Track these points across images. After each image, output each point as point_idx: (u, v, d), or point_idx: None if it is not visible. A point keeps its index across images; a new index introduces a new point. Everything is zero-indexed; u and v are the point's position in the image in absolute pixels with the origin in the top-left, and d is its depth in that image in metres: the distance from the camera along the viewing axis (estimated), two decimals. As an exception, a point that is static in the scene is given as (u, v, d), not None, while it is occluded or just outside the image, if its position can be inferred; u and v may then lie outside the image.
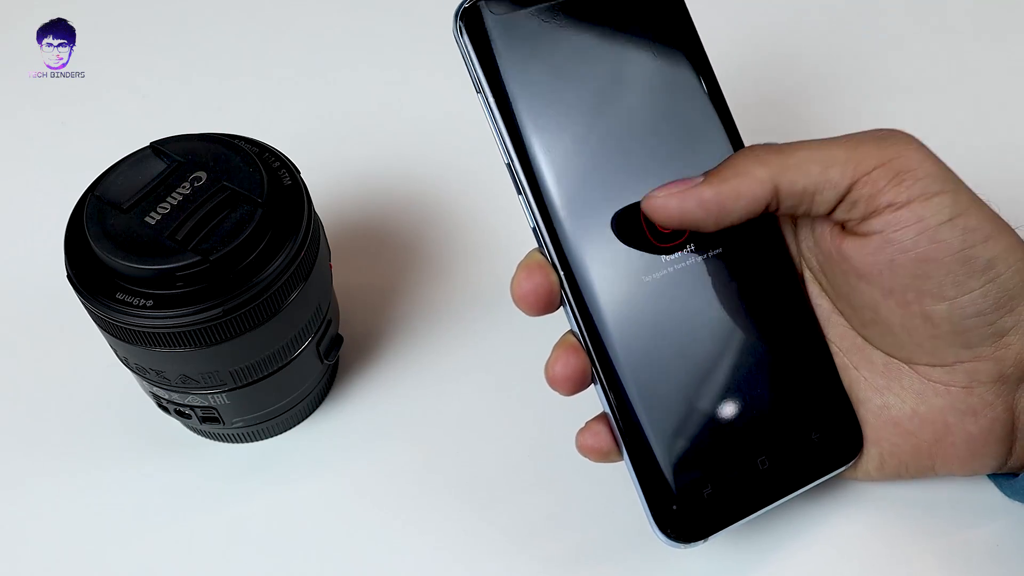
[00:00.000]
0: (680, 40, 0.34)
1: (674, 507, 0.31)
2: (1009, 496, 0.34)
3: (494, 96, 0.31)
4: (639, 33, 0.34)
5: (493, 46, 0.32)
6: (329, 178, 0.47)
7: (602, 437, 0.32)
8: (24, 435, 0.39)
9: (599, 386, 0.32)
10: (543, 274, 0.31)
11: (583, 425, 0.33)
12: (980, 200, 0.31)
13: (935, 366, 0.32)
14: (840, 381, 0.34)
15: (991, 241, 0.30)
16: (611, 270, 0.32)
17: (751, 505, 0.32)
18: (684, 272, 0.33)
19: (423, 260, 0.44)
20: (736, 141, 0.34)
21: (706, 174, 0.32)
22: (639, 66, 0.33)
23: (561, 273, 0.31)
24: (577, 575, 0.35)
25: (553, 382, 0.32)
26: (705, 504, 0.32)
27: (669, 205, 0.31)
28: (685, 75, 0.34)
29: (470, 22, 0.31)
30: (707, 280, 0.33)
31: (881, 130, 0.32)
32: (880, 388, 0.33)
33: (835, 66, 0.52)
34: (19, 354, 0.41)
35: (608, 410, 0.32)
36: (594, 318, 0.31)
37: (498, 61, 0.32)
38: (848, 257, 0.32)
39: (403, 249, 0.45)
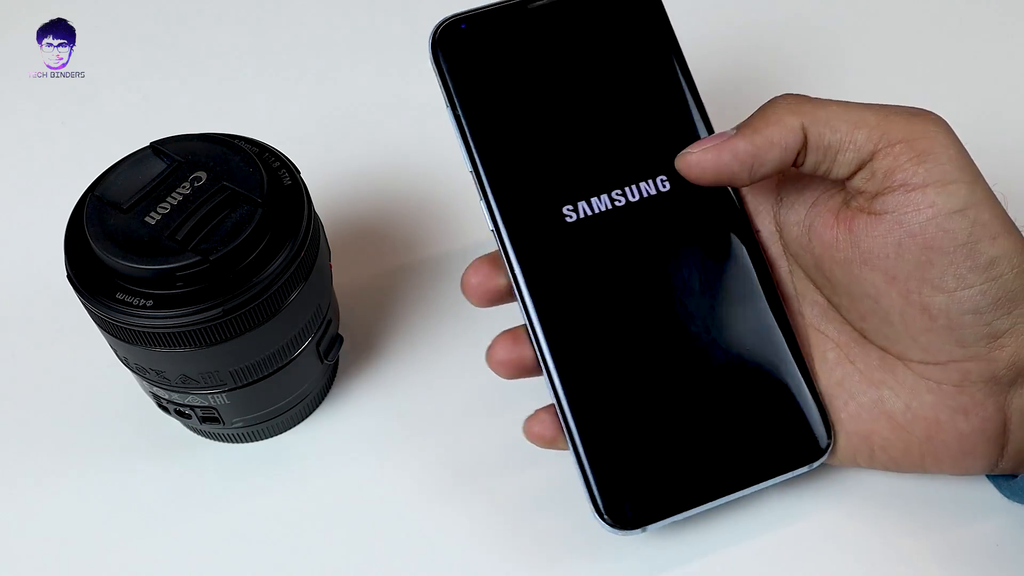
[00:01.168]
0: (656, 51, 0.35)
1: (613, 493, 0.32)
2: (1008, 497, 0.34)
3: (461, 110, 0.33)
4: (611, 45, 0.35)
5: (460, 65, 0.34)
6: (329, 178, 0.47)
7: (547, 425, 0.33)
8: (24, 435, 0.39)
9: (545, 375, 0.33)
10: (487, 272, 0.33)
11: (532, 413, 0.34)
12: (995, 197, 0.31)
13: (928, 363, 0.32)
14: (811, 381, 0.34)
15: (999, 239, 0.30)
16: (562, 266, 0.33)
17: (696, 498, 0.32)
18: (639, 265, 0.34)
19: (423, 260, 0.44)
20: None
21: (738, 126, 0.32)
22: (609, 78, 0.35)
23: (516, 268, 0.33)
24: (579, 566, 0.35)
25: (493, 365, 0.34)
26: (646, 493, 0.32)
27: (705, 160, 0.32)
28: (659, 87, 0.35)
29: (441, 42, 0.34)
30: (663, 272, 0.34)
31: (915, 108, 0.32)
32: (876, 382, 0.33)
33: (821, 56, 0.52)
34: (19, 354, 0.41)
35: (552, 396, 0.32)
36: (542, 314, 0.33)
37: (464, 80, 0.34)
38: (857, 238, 0.32)
39: (403, 249, 0.45)
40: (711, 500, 0.33)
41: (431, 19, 0.56)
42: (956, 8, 0.54)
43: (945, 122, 0.31)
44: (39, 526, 0.36)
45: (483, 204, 0.34)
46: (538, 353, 0.33)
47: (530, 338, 0.33)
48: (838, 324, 0.35)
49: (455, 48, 0.34)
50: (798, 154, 0.32)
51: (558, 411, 0.33)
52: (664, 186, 0.34)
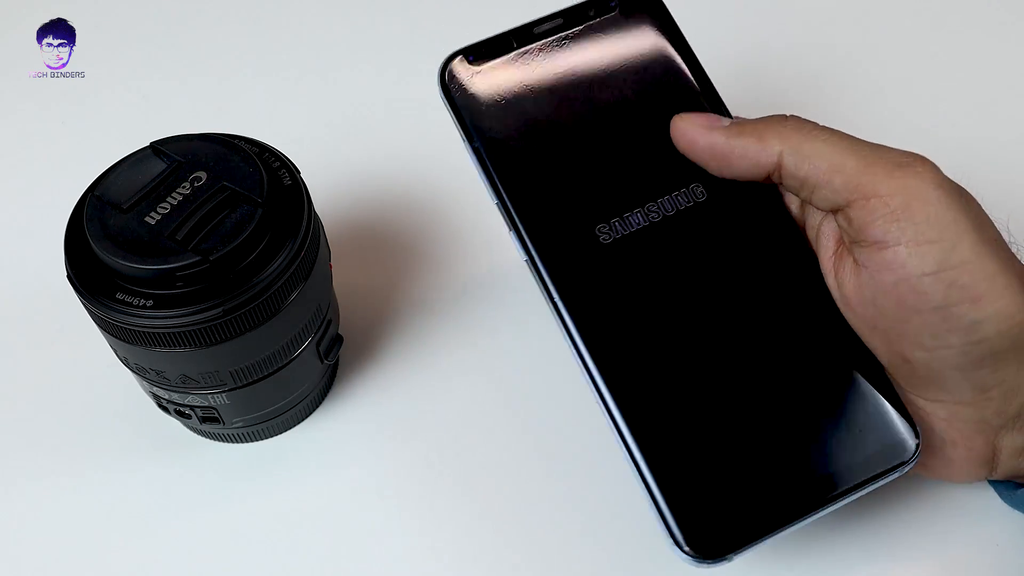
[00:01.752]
0: (671, 57, 0.34)
1: (692, 520, 0.29)
2: (1010, 505, 0.34)
3: (480, 147, 0.33)
4: (623, 58, 0.34)
5: (472, 97, 0.33)
6: (329, 178, 0.47)
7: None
8: (24, 435, 0.39)
9: (600, 403, 0.31)
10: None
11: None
12: (989, 251, 0.29)
13: (918, 396, 0.32)
14: (887, 378, 0.32)
15: (982, 302, 0.29)
16: (606, 290, 0.32)
17: (785, 516, 0.29)
18: (689, 279, 0.32)
19: (423, 260, 0.44)
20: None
21: (735, 120, 0.32)
22: (624, 91, 0.34)
23: (556, 297, 0.31)
24: (581, 571, 0.35)
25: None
26: (728, 517, 0.29)
27: (687, 132, 0.32)
28: (678, 93, 0.34)
29: (449, 79, 0.33)
30: (717, 284, 0.32)
31: (904, 155, 0.30)
32: None
33: (832, 62, 0.52)
34: (19, 354, 0.41)
35: (612, 426, 0.30)
36: (591, 343, 0.31)
37: (476, 114, 0.33)
38: (841, 282, 0.32)
39: (403, 249, 0.45)
40: (802, 517, 0.29)
41: (431, 19, 0.56)
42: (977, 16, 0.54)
43: (933, 171, 0.29)
44: (39, 526, 0.36)
45: (513, 235, 0.32)
46: (591, 383, 0.31)
47: (581, 369, 0.31)
48: None
49: (464, 82, 0.33)
50: (770, 174, 0.31)
51: (619, 442, 0.30)
52: (701, 195, 0.33)
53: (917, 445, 0.31)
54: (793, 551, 0.35)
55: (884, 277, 0.30)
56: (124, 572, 0.35)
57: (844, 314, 0.32)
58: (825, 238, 0.32)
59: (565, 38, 0.34)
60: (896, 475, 0.31)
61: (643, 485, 0.30)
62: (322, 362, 0.37)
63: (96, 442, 0.39)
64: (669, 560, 0.34)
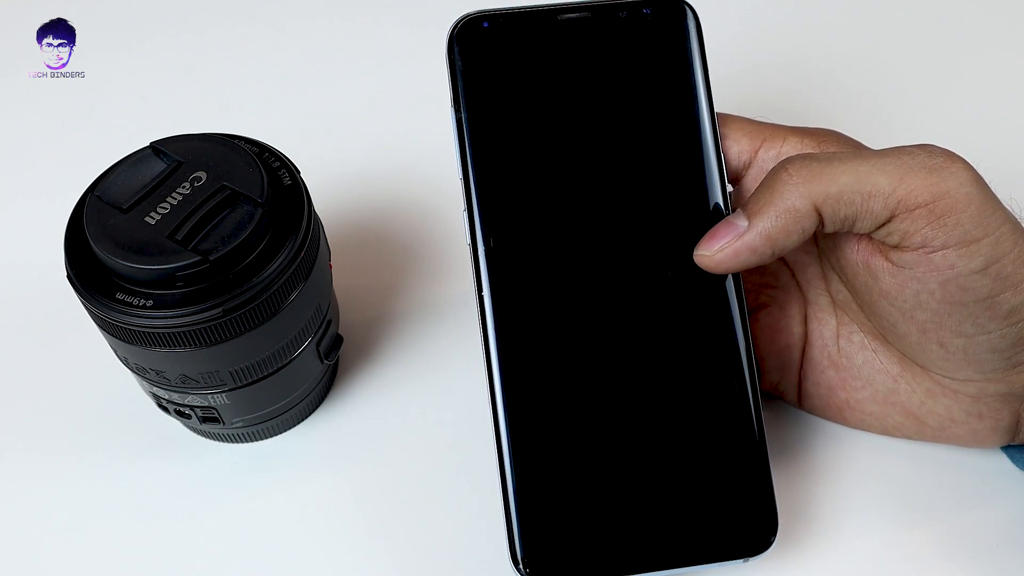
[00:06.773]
0: (683, 88, 0.32)
1: (536, 542, 0.30)
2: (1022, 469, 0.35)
3: (465, 115, 0.32)
4: (637, 75, 0.32)
5: (475, 66, 0.32)
6: (329, 178, 0.47)
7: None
8: (24, 435, 0.39)
9: (491, 408, 0.32)
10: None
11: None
12: (1021, 234, 0.30)
13: (945, 376, 0.33)
14: (768, 471, 0.31)
15: (1020, 287, 0.30)
16: (535, 298, 0.32)
17: (621, 568, 0.30)
18: (610, 301, 0.32)
19: (423, 260, 0.44)
20: (716, 203, 0.33)
21: (746, 210, 0.31)
22: (627, 110, 0.32)
23: (484, 284, 0.32)
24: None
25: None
26: (570, 551, 0.30)
27: (724, 262, 0.31)
28: (676, 132, 0.32)
29: (459, 38, 0.32)
30: (637, 329, 0.32)
31: (933, 154, 0.30)
32: (894, 375, 0.34)
33: (841, 63, 0.52)
34: (19, 354, 0.41)
35: (493, 427, 0.32)
36: (502, 335, 0.32)
37: (476, 83, 0.32)
38: (875, 275, 0.31)
39: (403, 249, 0.45)
40: (637, 573, 0.31)
41: (432, 20, 0.56)
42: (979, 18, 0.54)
43: (966, 169, 0.29)
44: (39, 526, 0.36)
45: (465, 216, 0.32)
46: (488, 376, 0.32)
47: (485, 357, 0.32)
48: (862, 315, 0.35)
49: (473, 47, 0.32)
50: (816, 231, 0.31)
51: (496, 445, 0.32)
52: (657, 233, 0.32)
53: (771, 540, 0.31)
54: (801, 518, 0.35)
55: (932, 278, 0.30)
56: (124, 572, 0.35)
57: (878, 302, 0.32)
58: (849, 247, 0.32)
59: (586, 35, 0.32)
60: (741, 562, 0.31)
61: (503, 495, 0.31)
62: (322, 362, 0.37)
63: (96, 442, 0.38)
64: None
